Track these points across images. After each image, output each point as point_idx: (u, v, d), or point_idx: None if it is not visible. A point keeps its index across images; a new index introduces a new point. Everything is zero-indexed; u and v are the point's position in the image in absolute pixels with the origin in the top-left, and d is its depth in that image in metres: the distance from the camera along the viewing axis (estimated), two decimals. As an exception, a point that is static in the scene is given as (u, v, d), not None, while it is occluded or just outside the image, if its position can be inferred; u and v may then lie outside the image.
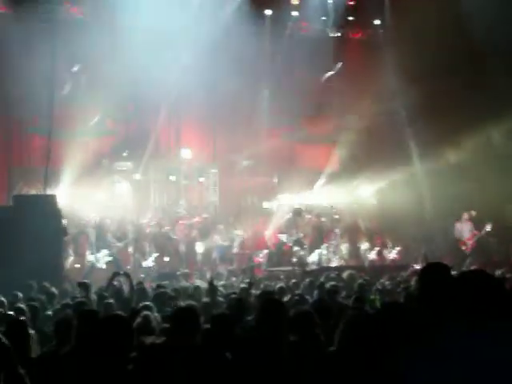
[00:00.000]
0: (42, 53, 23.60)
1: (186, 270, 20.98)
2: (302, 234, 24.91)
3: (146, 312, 8.57)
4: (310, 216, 26.38)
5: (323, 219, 26.75)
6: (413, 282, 13.06)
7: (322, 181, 28.98)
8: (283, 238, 24.74)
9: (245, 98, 27.05)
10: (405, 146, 27.44)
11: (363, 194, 29.35)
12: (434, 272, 5.60)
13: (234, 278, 20.17)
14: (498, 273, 16.47)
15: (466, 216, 24.45)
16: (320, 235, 25.41)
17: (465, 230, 24.45)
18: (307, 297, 11.60)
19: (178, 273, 20.42)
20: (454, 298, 3.51)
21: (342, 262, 24.48)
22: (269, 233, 25.83)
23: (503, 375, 3.24)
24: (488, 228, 24.21)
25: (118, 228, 24.04)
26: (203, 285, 14.66)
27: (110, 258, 22.51)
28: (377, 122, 27.25)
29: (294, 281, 16.89)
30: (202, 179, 27.60)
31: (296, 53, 27.98)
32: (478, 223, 24.55)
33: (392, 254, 25.46)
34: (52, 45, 18.23)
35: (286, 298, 11.54)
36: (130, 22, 25.22)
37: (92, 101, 25.60)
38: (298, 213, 25.60)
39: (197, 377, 6.13)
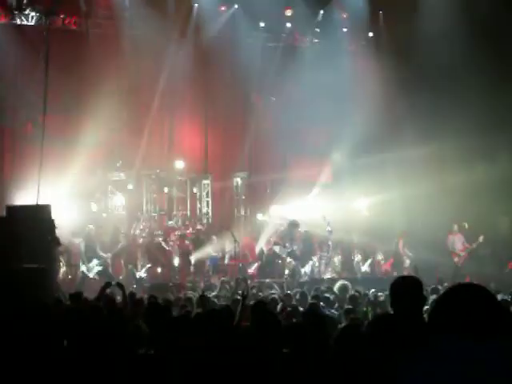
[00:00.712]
0: (35, 61, 23.69)
1: (178, 281, 20.98)
2: (296, 247, 24.91)
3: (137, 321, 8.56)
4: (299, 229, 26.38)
5: (315, 231, 26.76)
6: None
7: (315, 192, 28.99)
8: (277, 249, 24.71)
9: (238, 108, 27.08)
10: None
11: (356, 205, 29.37)
12: (402, 285, 5.64)
13: (227, 287, 20.20)
14: (491, 285, 16.51)
15: (456, 227, 24.47)
16: (309, 247, 25.41)
17: (457, 241, 24.44)
18: (300, 308, 11.62)
19: (171, 284, 20.42)
20: (443, 311, 3.51)
21: (335, 274, 24.51)
22: (262, 244, 25.79)
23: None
24: (481, 240, 24.23)
25: (110, 239, 24.02)
26: (195, 296, 14.67)
27: (101, 268, 22.48)
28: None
29: (287, 292, 16.91)
30: (195, 190, 27.58)
31: (288, 63, 27.96)
32: (471, 235, 24.56)
33: (384, 266, 25.50)
34: (45, 53, 18.20)
35: (278, 309, 11.56)
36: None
37: (86, 111, 25.71)
38: (294, 225, 25.57)
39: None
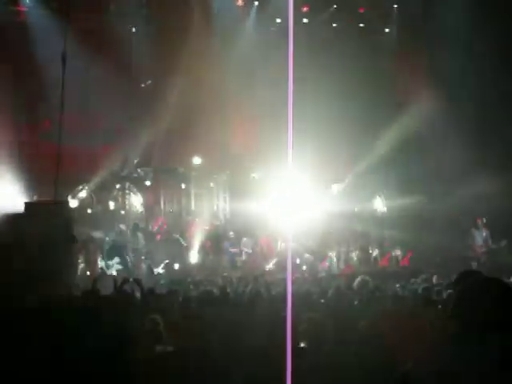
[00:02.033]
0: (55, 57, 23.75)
1: (198, 277, 20.97)
2: (312, 242, 24.94)
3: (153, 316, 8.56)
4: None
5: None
6: (420, 288, 13.07)
7: (333, 188, 29.00)
8: (293, 245, 24.70)
9: (256, 103, 27.00)
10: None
11: (375, 200, 29.35)
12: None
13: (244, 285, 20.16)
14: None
15: (479, 222, 24.17)
16: (324, 243, 25.45)
17: (477, 236, 24.17)
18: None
19: (189, 279, 20.41)
20: (462, 305, 3.49)
21: (353, 269, 24.49)
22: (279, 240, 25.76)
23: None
24: (502, 245, 23.97)
25: (132, 237, 24.15)
26: (214, 292, 14.66)
27: (120, 267, 22.56)
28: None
29: (302, 288, 16.87)
30: (212, 185, 27.58)
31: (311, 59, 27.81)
32: (491, 231, 24.34)
33: (403, 261, 25.44)
34: (63, 49, 18.20)
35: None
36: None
37: (103, 107, 25.85)
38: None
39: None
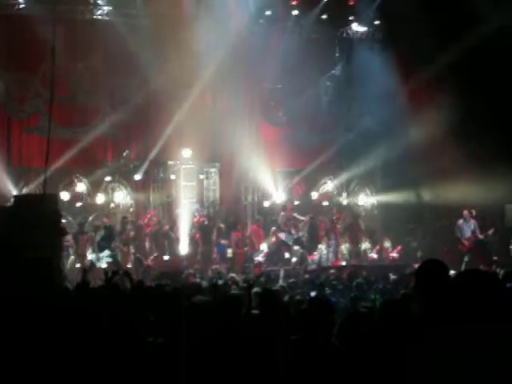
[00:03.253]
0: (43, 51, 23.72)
1: (191, 270, 20.94)
2: (301, 233, 25.00)
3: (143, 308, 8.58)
4: (303, 218, 26.40)
5: (321, 218, 26.87)
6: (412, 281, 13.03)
7: (323, 180, 29.08)
8: (283, 236, 24.75)
9: (246, 95, 26.97)
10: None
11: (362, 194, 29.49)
12: (429, 270, 5.56)
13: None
14: (500, 272, 16.37)
15: (466, 214, 24.12)
16: (314, 235, 25.49)
17: (466, 228, 24.14)
18: (306, 296, 11.63)
19: (186, 272, 20.35)
20: (453, 298, 3.49)
21: (343, 262, 24.56)
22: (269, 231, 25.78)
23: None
24: (490, 233, 23.97)
25: (118, 228, 24.14)
26: (204, 284, 14.67)
27: (110, 259, 22.56)
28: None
29: (292, 280, 16.91)
30: (202, 177, 27.54)
31: (302, 53, 27.76)
32: (479, 222, 24.34)
33: (392, 253, 25.51)
34: (52, 43, 18.15)
35: (286, 297, 11.53)
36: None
37: (92, 100, 25.85)
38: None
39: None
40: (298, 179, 28.78)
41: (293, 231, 24.83)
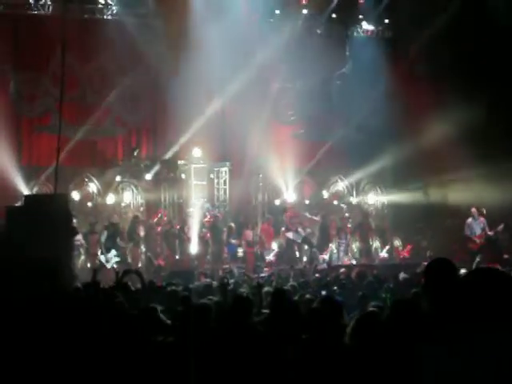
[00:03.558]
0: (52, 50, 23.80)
1: (201, 270, 20.94)
2: (309, 230, 24.98)
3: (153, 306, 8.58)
4: (316, 218, 26.41)
5: (332, 217, 26.86)
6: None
7: (333, 179, 29.06)
8: (290, 235, 24.73)
9: (256, 94, 26.93)
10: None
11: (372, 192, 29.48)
12: (438, 269, 5.54)
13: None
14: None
15: (475, 212, 24.02)
16: (325, 235, 25.49)
17: (475, 227, 24.04)
18: (317, 295, 11.60)
19: (196, 271, 20.35)
20: (464, 297, 3.47)
21: (353, 261, 24.55)
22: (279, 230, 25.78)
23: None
24: (500, 229, 23.89)
25: (129, 228, 24.11)
26: (214, 283, 14.65)
27: (118, 259, 22.58)
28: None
29: (302, 280, 16.89)
30: (212, 177, 27.54)
31: (312, 51, 27.73)
32: (489, 220, 24.24)
33: (403, 252, 25.47)
34: (62, 42, 18.24)
35: (296, 297, 11.53)
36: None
37: (102, 99, 25.92)
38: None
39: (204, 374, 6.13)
40: (308, 178, 28.76)
41: (299, 229, 24.76)
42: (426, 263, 17.92)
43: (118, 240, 23.13)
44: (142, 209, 26.23)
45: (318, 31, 29.38)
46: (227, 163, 27.85)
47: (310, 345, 6.37)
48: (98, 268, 21.90)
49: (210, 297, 10.43)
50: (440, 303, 5.13)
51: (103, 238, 22.92)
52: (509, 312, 3.33)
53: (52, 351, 6.84)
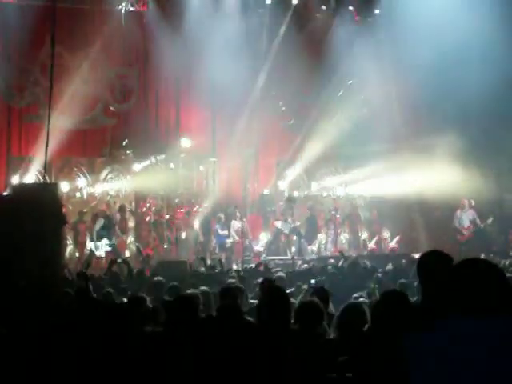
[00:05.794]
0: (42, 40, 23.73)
1: (189, 260, 20.94)
2: (298, 223, 24.97)
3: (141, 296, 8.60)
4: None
5: (319, 208, 26.83)
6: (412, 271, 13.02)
7: (322, 170, 28.95)
8: (278, 224, 24.74)
9: (245, 84, 26.87)
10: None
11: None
12: (431, 261, 5.57)
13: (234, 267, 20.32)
14: (503, 262, 16.36)
15: (466, 203, 24.04)
16: (314, 226, 25.49)
17: (464, 218, 24.11)
18: (306, 285, 11.66)
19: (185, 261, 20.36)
20: (452, 289, 3.48)
21: (342, 252, 24.55)
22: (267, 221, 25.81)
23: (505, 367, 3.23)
24: (489, 222, 23.97)
25: (120, 218, 24.12)
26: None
27: (109, 248, 22.59)
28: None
29: (290, 270, 16.94)
30: (201, 168, 27.50)
31: (299, 41, 27.64)
32: (478, 213, 24.27)
33: (391, 243, 25.49)
34: (51, 32, 18.24)
35: (285, 287, 11.57)
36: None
37: (92, 89, 25.82)
38: (291, 200, 25.68)
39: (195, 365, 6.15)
40: (297, 169, 28.68)
41: (289, 220, 24.75)
42: (414, 254, 18.09)
43: (117, 229, 23.22)
44: (130, 199, 26.17)
45: (305, 22, 29.24)
46: (216, 153, 27.80)
47: (299, 336, 6.39)
48: (89, 257, 21.99)
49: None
50: (432, 296, 5.17)
51: (98, 225, 22.92)
52: (498, 304, 3.35)
53: (42, 343, 6.85)
